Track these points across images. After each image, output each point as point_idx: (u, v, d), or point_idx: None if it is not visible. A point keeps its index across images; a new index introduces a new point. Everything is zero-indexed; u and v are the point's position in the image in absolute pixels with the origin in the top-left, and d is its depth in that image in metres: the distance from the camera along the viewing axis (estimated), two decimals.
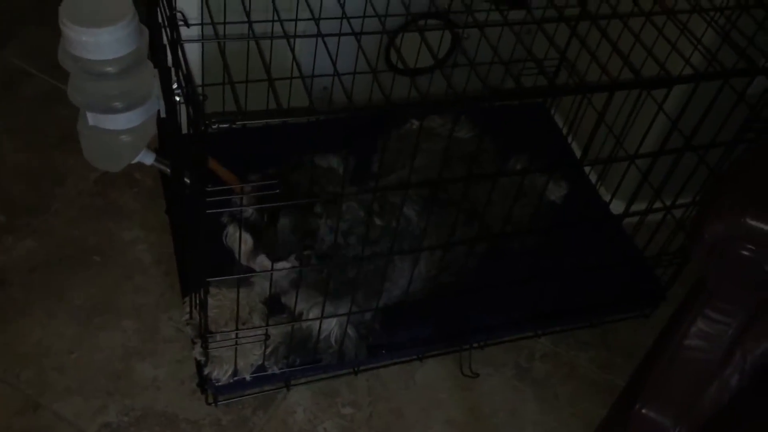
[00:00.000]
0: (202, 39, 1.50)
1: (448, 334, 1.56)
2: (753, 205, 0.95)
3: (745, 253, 0.96)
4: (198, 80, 1.64)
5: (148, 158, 1.38)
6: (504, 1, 1.30)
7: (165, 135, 1.49)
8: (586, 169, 1.86)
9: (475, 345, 1.59)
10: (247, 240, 1.29)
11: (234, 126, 0.98)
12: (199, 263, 1.21)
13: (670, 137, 1.41)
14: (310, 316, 1.36)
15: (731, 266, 0.98)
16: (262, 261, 1.31)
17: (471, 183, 1.28)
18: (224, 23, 1.54)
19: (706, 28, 1.41)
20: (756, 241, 0.95)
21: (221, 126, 0.98)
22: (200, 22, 1.51)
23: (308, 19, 1.39)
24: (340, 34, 1.38)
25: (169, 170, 1.40)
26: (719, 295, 1.02)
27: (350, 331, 1.39)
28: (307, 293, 1.34)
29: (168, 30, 1.12)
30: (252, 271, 1.34)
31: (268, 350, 1.37)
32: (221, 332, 1.34)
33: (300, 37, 1.41)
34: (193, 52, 1.60)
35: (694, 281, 1.11)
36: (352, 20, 1.32)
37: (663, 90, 1.37)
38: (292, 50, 1.24)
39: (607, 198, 1.73)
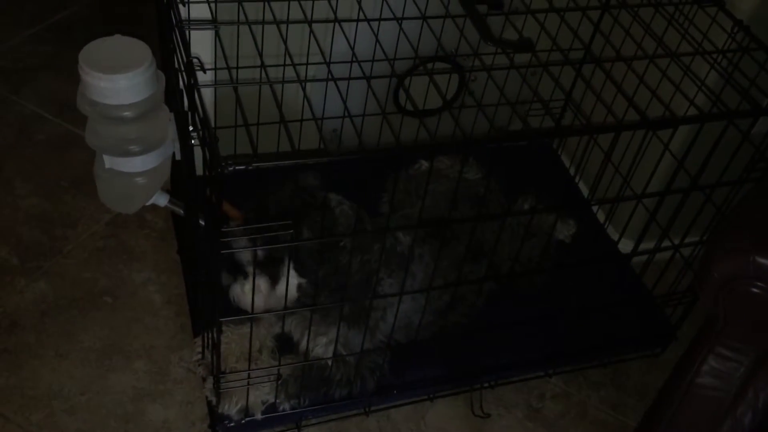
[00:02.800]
0: (215, 84, 1.54)
1: (459, 374, 1.55)
2: (761, 243, 0.96)
3: (755, 290, 0.96)
4: (212, 123, 1.67)
5: (162, 200, 1.40)
6: (510, 45, 1.33)
7: (178, 177, 1.51)
8: (594, 208, 1.88)
9: (485, 385, 1.58)
10: (261, 286, 1.29)
11: (249, 168, 1.00)
12: (212, 302, 1.22)
13: (677, 177, 1.43)
14: (320, 350, 1.36)
15: (741, 304, 0.99)
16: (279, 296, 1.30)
17: (479, 223, 1.29)
18: (237, 68, 1.58)
19: (709, 70, 1.44)
20: (765, 279, 0.96)
21: (237, 168, 1.00)
22: (214, 66, 1.55)
23: (319, 63, 1.42)
24: (350, 78, 1.41)
25: (182, 211, 1.42)
26: (730, 333, 1.02)
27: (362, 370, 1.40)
28: (317, 330, 1.34)
29: (184, 75, 1.15)
30: (267, 310, 1.35)
31: (280, 387, 1.37)
32: (233, 371, 1.34)
33: (311, 81, 1.44)
34: (206, 95, 1.64)
35: (705, 319, 1.12)
36: (362, 63, 1.35)
37: (668, 130, 1.39)
38: (305, 92, 1.27)
39: (615, 237, 1.74)
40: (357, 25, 1.50)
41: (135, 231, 1.77)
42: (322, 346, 1.37)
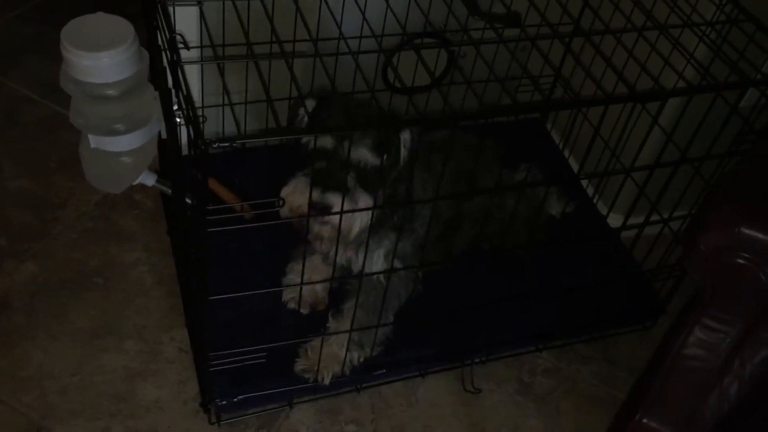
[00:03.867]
0: (202, 61, 1.52)
1: (450, 351, 1.56)
2: (747, 215, 0.96)
3: (741, 261, 0.97)
4: (198, 102, 1.66)
5: (149, 179, 1.39)
6: (498, 19, 1.32)
7: (166, 156, 1.50)
8: (584, 183, 1.88)
9: (476, 361, 1.59)
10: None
11: (234, 145, 0.99)
12: (201, 282, 1.22)
13: (665, 150, 1.43)
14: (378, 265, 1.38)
15: (727, 275, 0.99)
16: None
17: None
18: (223, 45, 1.56)
19: (698, 43, 1.43)
20: (751, 250, 0.96)
21: (221, 146, 0.99)
22: (199, 44, 1.54)
23: (306, 40, 1.41)
24: (337, 54, 1.39)
25: (170, 191, 1.41)
26: (716, 305, 1.02)
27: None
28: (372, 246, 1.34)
29: (168, 52, 1.14)
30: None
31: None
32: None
33: (298, 57, 1.43)
34: (192, 74, 1.63)
35: (693, 292, 1.12)
36: (349, 40, 1.34)
37: (657, 104, 1.38)
38: (291, 70, 1.26)
39: (604, 212, 1.74)
40: (344, 1, 1.49)
41: (124, 211, 1.77)
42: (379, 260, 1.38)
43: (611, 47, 1.44)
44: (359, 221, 1.23)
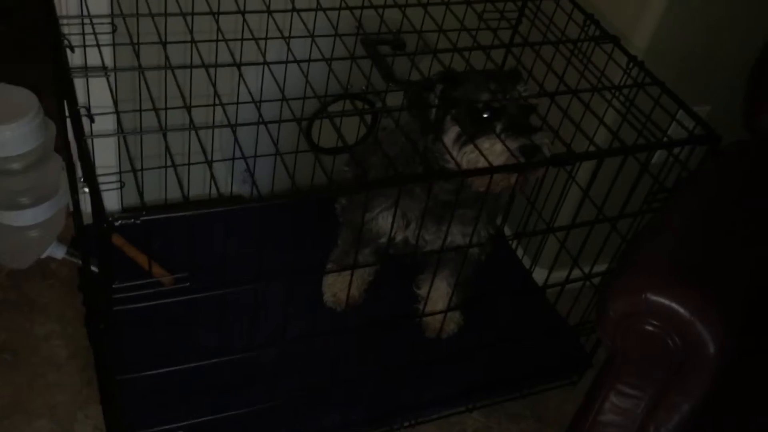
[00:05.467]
0: (119, 133, 1.48)
1: (379, 415, 1.53)
2: (653, 281, 0.98)
3: (649, 328, 0.98)
4: (115, 168, 1.62)
5: (58, 252, 1.34)
6: (412, 85, 1.34)
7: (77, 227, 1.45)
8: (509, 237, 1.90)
9: (406, 425, 1.57)
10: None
11: (136, 222, 0.96)
12: (111, 361, 1.17)
13: (582, 207, 1.46)
14: None
15: (637, 342, 1.00)
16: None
17: None
18: (140, 111, 1.54)
19: (607, 107, 1.48)
20: (658, 317, 0.97)
21: (124, 222, 0.96)
22: (115, 110, 1.50)
23: (219, 104, 1.39)
24: (258, 123, 1.38)
25: (80, 262, 1.37)
26: (629, 370, 1.03)
27: None
28: None
29: (73, 124, 1.11)
30: None
31: None
32: None
33: (218, 127, 1.41)
34: (108, 141, 1.59)
35: (606, 356, 1.13)
36: (270, 104, 1.33)
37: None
38: (198, 137, 1.24)
39: (527, 264, 1.76)
40: (263, 68, 1.48)
41: (38, 281, 1.70)
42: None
43: None
44: None
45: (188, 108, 1.21)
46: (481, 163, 1.25)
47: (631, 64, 1.48)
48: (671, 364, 0.99)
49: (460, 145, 1.29)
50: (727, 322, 0.97)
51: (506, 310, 1.69)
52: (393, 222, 1.37)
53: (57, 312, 1.65)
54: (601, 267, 1.56)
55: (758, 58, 1.42)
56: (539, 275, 1.76)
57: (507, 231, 1.93)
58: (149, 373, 1.25)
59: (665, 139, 1.43)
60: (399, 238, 1.48)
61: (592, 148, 1.37)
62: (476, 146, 1.24)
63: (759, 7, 1.60)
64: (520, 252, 1.92)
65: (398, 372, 1.52)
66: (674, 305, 0.96)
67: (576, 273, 1.59)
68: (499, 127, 1.27)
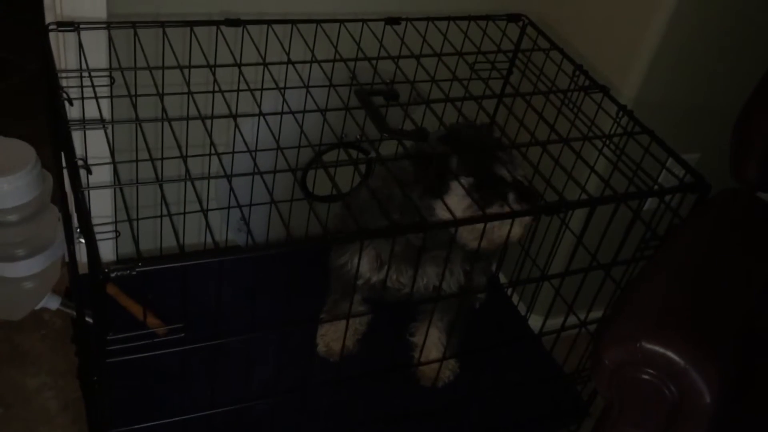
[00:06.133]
0: (115, 185, 1.49)
1: None
2: (647, 329, 0.98)
3: (645, 377, 0.98)
4: (110, 218, 1.63)
5: (53, 303, 1.34)
6: (405, 135, 1.36)
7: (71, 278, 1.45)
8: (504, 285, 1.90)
9: None
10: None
11: (132, 273, 0.97)
12: (103, 413, 1.16)
13: (576, 254, 1.47)
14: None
15: (633, 390, 1.00)
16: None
17: None
18: (137, 161, 1.55)
19: (598, 156, 1.50)
20: (653, 365, 0.97)
21: (120, 274, 0.96)
22: (112, 160, 1.52)
23: (215, 154, 1.41)
24: (254, 174, 1.39)
25: (75, 314, 1.36)
26: (625, 420, 1.03)
27: None
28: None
29: (70, 176, 1.12)
30: None
31: None
32: None
33: (213, 178, 1.43)
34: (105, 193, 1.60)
35: (604, 405, 1.13)
36: (265, 153, 1.34)
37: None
38: (193, 186, 1.25)
39: (523, 311, 1.76)
40: (259, 119, 1.50)
41: (30, 332, 1.68)
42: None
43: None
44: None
45: (184, 158, 1.23)
46: (498, 236, 1.30)
47: (620, 113, 1.50)
48: (668, 413, 0.99)
49: (471, 211, 1.32)
50: (722, 370, 0.97)
51: (502, 357, 1.68)
52: (359, 263, 1.38)
53: (49, 364, 1.63)
54: (596, 313, 1.56)
55: (740, 113, 1.45)
56: (535, 322, 1.76)
57: (502, 278, 1.93)
58: (141, 426, 1.23)
59: (656, 187, 1.45)
60: (374, 279, 1.48)
61: (584, 197, 1.39)
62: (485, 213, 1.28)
63: (746, 57, 1.63)
64: (515, 299, 1.92)
65: (393, 423, 1.50)
66: (669, 353, 0.96)
67: (572, 320, 1.59)
68: (512, 197, 1.32)
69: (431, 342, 1.60)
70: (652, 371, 0.97)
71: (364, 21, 1.56)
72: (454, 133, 1.42)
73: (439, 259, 1.44)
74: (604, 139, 1.49)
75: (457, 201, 1.32)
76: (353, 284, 1.46)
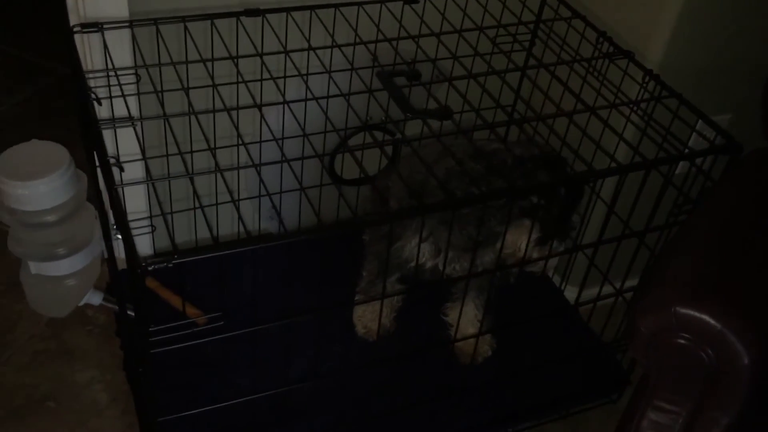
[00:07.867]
0: (148, 180, 1.52)
1: None
2: (682, 294, 0.97)
3: (681, 341, 0.97)
4: (145, 213, 1.66)
5: (95, 299, 1.38)
6: (429, 114, 1.36)
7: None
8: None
9: None
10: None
11: (169, 266, 0.99)
12: (150, 403, 1.19)
13: (608, 223, 1.46)
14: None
15: (670, 356, 0.99)
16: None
17: None
18: (167, 156, 1.58)
19: (626, 123, 1.48)
20: (690, 330, 0.97)
21: (157, 266, 0.99)
22: (143, 156, 1.55)
23: (242, 144, 1.43)
24: (282, 161, 1.41)
25: (117, 308, 1.40)
26: (664, 386, 1.02)
27: None
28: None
29: (103, 174, 1.14)
30: None
31: None
32: None
33: (242, 168, 1.44)
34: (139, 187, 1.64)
35: (641, 375, 1.12)
36: (292, 140, 1.35)
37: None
38: (224, 178, 1.27)
39: (559, 284, 1.75)
40: (283, 107, 1.52)
41: (76, 329, 1.73)
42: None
43: (546, 134, 1.49)
44: None
45: (213, 150, 1.25)
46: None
47: (647, 78, 1.48)
48: (706, 378, 0.98)
49: (534, 242, 1.35)
50: (759, 331, 0.96)
51: (540, 330, 1.68)
52: (418, 251, 1.38)
53: (96, 358, 1.68)
54: (632, 282, 1.55)
55: None
56: (570, 293, 1.76)
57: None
58: (188, 413, 1.27)
59: (686, 150, 1.43)
60: (429, 265, 1.48)
61: (613, 165, 1.38)
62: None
63: None
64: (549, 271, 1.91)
65: (433, 400, 1.52)
66: (704, 317, 0.95)
67: (607, 289, 1.58)
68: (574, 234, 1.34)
69: (467, 319, 1.61)
70: (688, 336, 0.97)
71: (382, 2, 1.56)
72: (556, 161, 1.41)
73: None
74: (631, 106, 1.48)
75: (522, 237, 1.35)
76: (404, 267, 1.49)
